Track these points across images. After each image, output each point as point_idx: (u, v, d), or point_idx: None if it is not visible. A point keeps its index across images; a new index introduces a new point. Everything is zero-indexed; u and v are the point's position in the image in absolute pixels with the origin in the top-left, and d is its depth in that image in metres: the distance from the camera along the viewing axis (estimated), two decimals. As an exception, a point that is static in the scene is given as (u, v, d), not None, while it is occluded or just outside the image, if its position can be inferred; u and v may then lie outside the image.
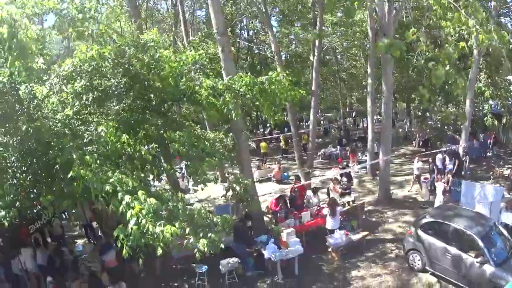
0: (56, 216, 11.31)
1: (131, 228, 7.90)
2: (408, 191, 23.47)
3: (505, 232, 14.20)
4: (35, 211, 12.67)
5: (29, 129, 9.80)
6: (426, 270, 14.15)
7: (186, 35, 28.41)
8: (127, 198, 8.32)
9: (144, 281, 15.18)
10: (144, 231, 7.96)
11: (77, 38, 11.40)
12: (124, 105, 12.64)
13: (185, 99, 13.77)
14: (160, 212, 8.88)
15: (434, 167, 22.45)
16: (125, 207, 8.30)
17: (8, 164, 10.54)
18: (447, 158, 22.95)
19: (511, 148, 31.87)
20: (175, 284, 15.39)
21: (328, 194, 20.33)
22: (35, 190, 10.71)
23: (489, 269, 12.06)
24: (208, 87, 13.34)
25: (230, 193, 14.29)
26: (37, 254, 15.12)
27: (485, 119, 28.38)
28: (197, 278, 14.47)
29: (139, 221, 8.04)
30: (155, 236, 7.97)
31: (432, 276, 13.99)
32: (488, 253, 12.21)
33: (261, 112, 16.99)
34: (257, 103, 14.19)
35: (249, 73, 14.52)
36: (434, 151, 24.68)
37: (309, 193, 20.35)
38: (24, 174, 10.45)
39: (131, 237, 7.87)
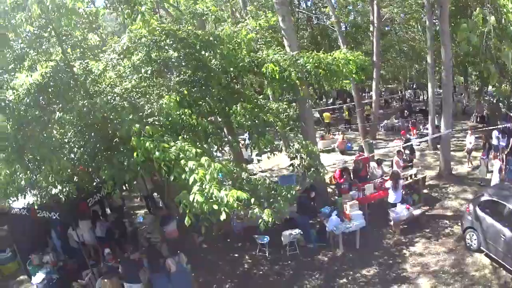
0: (116, 188, 11.37)
1: (194, 194, 7.69)
2: (468, 166, 22.76)
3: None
4: (94, 185, 12.77)
5: (86, 103, 9.81)
6: (481, 251, 13.73)
7: (243, 5, 28.24)
8: (191, 164, 8.09)
9: (204, 252, 15.43)
10: (208, 196, 7.70)
11: (128, 17, 11.35)
12: (186, 77, 12.52)
13: (247, 72, 13.76)
14: (223, 180, 8.83)
15: (487, 144, 21.60)
16: (188, 173, 8.06)
17: (66, 140, 10.55)
18: (500, 136, 22.20)
19: None
20: (236, 255, 15.54)
21: (392, 166, 19.94)
22: (93, 165, 10.70)
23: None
24: (273, 62, 13.12)
25: (297, 161, 14.03)
26: (96, 226, 15.40)
27: None
28: (258, 250, 14.73)
29: (203, 186, 7.80)
30: (220, 200, 7.69)
31: (485, 257, 13.60)
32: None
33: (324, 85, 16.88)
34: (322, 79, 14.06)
35: (311, 47, 14.42)
36: (490, 127, 23.87)
37: (373, 164, 20.10)
38: (82, 149, 10.42)
39: (194, 204, 7.67)
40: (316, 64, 13.50)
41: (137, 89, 11.51)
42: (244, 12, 26.44)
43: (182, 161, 8.28)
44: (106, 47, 12.90)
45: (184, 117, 10.38)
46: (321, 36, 41.08)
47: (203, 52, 12.30)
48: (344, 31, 38.47)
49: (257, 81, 16.24)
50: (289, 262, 14.62)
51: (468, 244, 14.28)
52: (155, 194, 19.29)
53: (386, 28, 40.26)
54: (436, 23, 25.18)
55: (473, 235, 14.00)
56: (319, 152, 17.02)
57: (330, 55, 14.26)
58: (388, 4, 34.32)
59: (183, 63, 12.40)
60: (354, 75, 14.70)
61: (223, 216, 7.87)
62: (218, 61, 12.71)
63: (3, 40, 10.28)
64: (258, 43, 15.30)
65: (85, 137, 10.46)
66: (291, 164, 13.89)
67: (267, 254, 14.74)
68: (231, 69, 13.08)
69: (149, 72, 12.03)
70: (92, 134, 10.54)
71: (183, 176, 8.24)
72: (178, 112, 10.26)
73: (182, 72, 12.59)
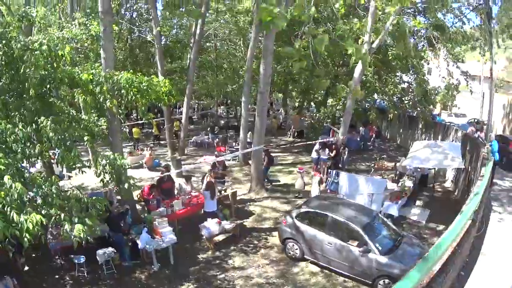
0: None
1: None
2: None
3: (389, 223, 14.71)
4: None
5: None
6: (305, 259, 14.28)
7: (71, 10, 26.46)
8: None
9: (28, 274, 14.15)
10: (10, 221, 7.58)
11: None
12: (4, 85, 11.78)
13: (61, 84, 12.94)
14: (29, 196, 8.58)
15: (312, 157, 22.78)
16: None
17: None
18: (320, 149, 23.67)
19: (397, 143, 33.74)
20: (56, 276, 14.41)
21: (203, 180, 19.56)
22: None
23: (374, 257, 12.31)
24: (87, 76, 12.66)
25: (107, 176, 13.17)
26: None
27: (368, 113, 29.61)
28: (76, 270, 13.97)
29: (5, 209, 7.63)
30: (20, 225, 7.60)
31: (313, 265, 14.16)
32: (371, 242, 12.48)
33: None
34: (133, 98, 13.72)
35: (128, 60, 14.02)
36: (308, 142, 25.00)
37: (180, 180, 20.11)
38: None
39: None
40: (128, 84, 13.28)
41: None
42: (71, 17, 25.01)
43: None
44: None
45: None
46: (139, 49, 40.17)
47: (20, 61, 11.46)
48: (164, 45, 38.12)
49: (71, 93, 15.17)
50: (108, 281, 13.93)
51: (289, 254, 14.71)
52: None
53: (207, 44, 40.58)
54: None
55: (293, 245, 14.52)
56: (128, 166, 16.50)
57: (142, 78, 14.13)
58: (213, 20, 35.05)
59: (4, 71, 11.56)
60: (164, 97, 14.82)
61: (26, 243, 7.84)
62: (34, 71, 11.64)
63: None
64: (79, 54, 14.38)
65: None
66: (101, 180, 12.99)
67: (85, 274, 13.94)
68: (47, 80, 12.27)
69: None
70: None
71: None
72: None
73: (1, 80, 11.77)
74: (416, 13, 26.19)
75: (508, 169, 22.38)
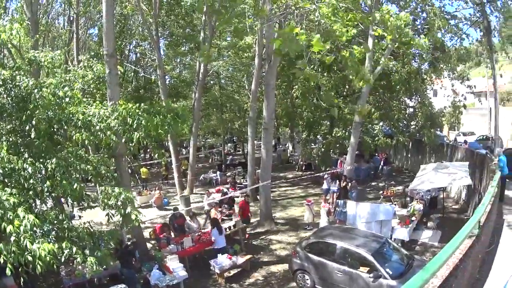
0: None
1: (11, 245, 7.84)
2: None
3: (399, 247, 14.72)
4: None
5: None
6: None
7: (77, 53, 27.25)
8: (8, 214, 8.18)
9: None
10: (23, 248, 7.97)
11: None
12: (15, 126, 12.21)
13: (68, 124, 12.90)
14: (42, 231, 8.94)
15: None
16: (6, 222, 8.20)
17: None
18: (330, 180, 23.79)
19: (405, 168, 33.85)
20: None
21: (207, 218, 20.53)
22: None
23: (386, 282, 12.27)
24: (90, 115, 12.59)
25: (112, 211, 13.22)
26: None
27: (376, 139, 29.51)
28: None
29: (19, 237, 8.02)
30: (33, 253, 7.95)
31: None
32: (381, 268, 12.45)
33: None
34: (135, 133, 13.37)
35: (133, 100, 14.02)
36: (317, 174, 25.04)
37: (187, 218, 20.20)
38: None
39: (12, 254, 7.80)
40: (132, 115, 12.87)
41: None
42: (77, 60, 25.66)
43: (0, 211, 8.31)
44: None
45: (12, 164, 10.05)
46: (144, 89, 40.77)
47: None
48: (169, 84, 38.67)
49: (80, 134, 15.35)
50: (121, 317, 13.99)
51: (300, 285, 14.69)
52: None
53: (211, 82, 41.13)
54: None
55: (304, 276, 14.51)
56: (134, 197, 16.62)
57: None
58: (216, 58, 35.33)
59: (14, 112, 11.98)
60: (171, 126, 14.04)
61: (39, 269, 8.06)
62: (42, 111, 12.00)
63: None
64: (85, 95, 14.64)
65: None
66: (107, 214, 13.03)
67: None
68: (53, 120, 12.41)
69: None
70: None
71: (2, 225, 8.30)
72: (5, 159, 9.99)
73: (13, 120, 12.22)
74: (417, 35, 26.57)
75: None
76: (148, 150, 45.69)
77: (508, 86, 57.31)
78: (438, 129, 32.79)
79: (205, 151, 54.34)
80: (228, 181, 31.90)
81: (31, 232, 8.23)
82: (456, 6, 26.81)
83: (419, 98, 30.46)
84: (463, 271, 7.34)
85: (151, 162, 42.64)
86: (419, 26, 25.90)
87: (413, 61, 29.42)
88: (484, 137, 38.46)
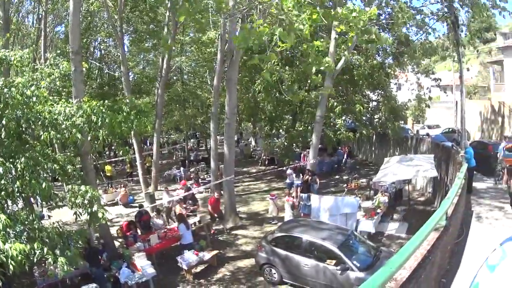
0: None
1: None
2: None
3: (366, 240, 15.05)
4: None
5: None
6: (284, 282, 14.38)
7: (44, 51, 27.14)
8: None
9: None
10: None
11: None
12: None
13: (35, 123, 12.77)
14: (15, 232, 8.93)
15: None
16: None
17: None
18: (293, 175, 24.10)
19: (369, 162, 34.82)
20: None
21: (174, 216, 20.49)
22: None
23: (353, 275, 12.49)
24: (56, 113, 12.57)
25: (79, 210, 13.21)
26: None
27: (338, 133, 29.60)
28: None
29: None
30: (5, 253, 7.99)
31: None
32: (348, 260, 12.67)
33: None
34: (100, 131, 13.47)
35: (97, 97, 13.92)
36: (280, 168, 25.27)
37: (153, 215, 20.26)
38: None
39: None
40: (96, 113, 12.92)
41: None
42: (44, 58, 25.31)
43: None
44: None
45: None
46: (108, 86, 40.35)
47: None
48: (132, 80, 38.39)
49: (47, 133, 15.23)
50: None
51: (268, 279, 14.84)
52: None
53: (174, 78, 41.01)
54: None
55: (271, 270, 14.66)
56: (100, 195, 16.59)
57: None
58: (178, 53, 35.44)
59: None
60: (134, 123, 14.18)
61: (11, 269, 8.15)
62: (12, 111, 11.87)
63: None
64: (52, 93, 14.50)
65: None
66: (74, 213, 13.01)
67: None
68: (23, 120, 12.27)
69: None
70: None
71: None
72: None
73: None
74: (381, 30, 26.81)
75: (488, 174, 22.02)
76: (113, 147, 45.30)
77: (475, 79, 58.67)
78: (402, 122, 33.33)
79: (169, 147, 54.08)
80: (191, 177, 31.77)
81: (3, 232, 8.24)
82: (423, 0, 27.20)
83: (382, 92, 30.99)
84: (432, 262, 7.59)
85: (115, 159, 42.30)
86: (383, 21, 26.18)
87: (377, 55, 29.99)
88: (450, 129, 39.17)
